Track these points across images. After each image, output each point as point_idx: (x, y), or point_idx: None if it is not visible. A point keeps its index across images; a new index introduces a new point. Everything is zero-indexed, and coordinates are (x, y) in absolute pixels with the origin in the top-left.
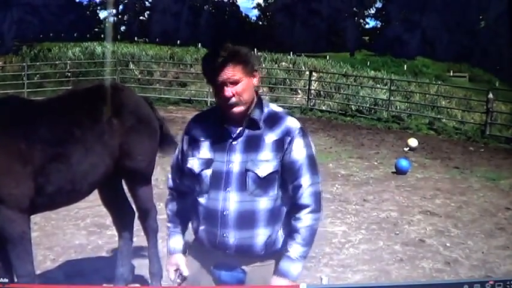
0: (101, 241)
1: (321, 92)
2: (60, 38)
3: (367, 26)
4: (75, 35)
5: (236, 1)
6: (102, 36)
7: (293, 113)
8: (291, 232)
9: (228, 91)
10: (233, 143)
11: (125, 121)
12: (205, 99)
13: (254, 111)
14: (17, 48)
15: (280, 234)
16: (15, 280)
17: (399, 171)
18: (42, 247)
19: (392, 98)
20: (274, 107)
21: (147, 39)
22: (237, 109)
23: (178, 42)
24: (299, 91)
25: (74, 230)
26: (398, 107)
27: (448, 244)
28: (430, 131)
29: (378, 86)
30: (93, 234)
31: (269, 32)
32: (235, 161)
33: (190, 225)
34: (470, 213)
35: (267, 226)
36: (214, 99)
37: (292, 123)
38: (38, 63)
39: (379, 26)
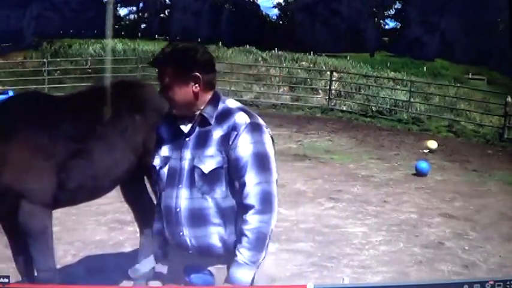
0: (122, 237)
1: (342, 92)
2: (80, 34)
3: (386, 27)
4: (95, 31)
5: (256, 0)
6: (123, 33)
7: (313, 113)
8: (239, 235)
9: (161, 91)
10: (186, 139)
11: (148, 118)
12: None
13: (206, 108)
14: (37, 44)
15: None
16: (36, 274)
17: (419, 173)
18: (63, 242)
19: (412, 100)
20: (231, 103)
21: (167, 37)
22: (173, 109)
23: (199, 40)
24: (320, 91)
25: (95, 226)
26: (418, 109)
27: (466, 247)
28: (449, 133)
29: (398, 87)
30: (114, 230)
31: (289, 32)
32: (187, 157)
33: None
34: (488, 216)
35: (219, 225)
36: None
37: (240, 118)
38: (58, 59)
39: (398, 27)
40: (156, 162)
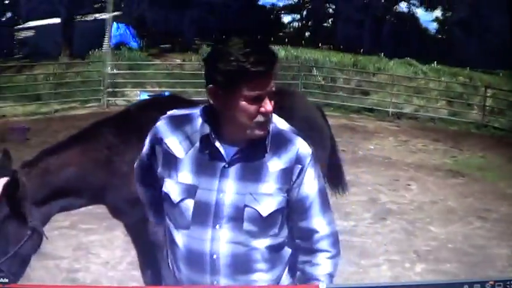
0: None
1: (495, 109)
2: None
3: None
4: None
5: (416, 13)
6: (286, 40)
7: (468, 128)
8: (308, 279)
9: (269, 105)
10: (226, 167)
11: (296, 127)
12: (387, 109)
13: None
14: (197, 46)
15: (284, 279)
16: None
17: None
18: None
19: None
20: (280, 124)
21: (331, 46)
22: (264, 130)
23: (362, 50)
24: (475, 106)
25: None
26: None
27: None
28: None
29: None
30: None
31: (447, 45)
32: (228, 190)
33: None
34: None
35: (268, 271)
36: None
37: (303, 147)
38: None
39: None
40: (172, 190)
